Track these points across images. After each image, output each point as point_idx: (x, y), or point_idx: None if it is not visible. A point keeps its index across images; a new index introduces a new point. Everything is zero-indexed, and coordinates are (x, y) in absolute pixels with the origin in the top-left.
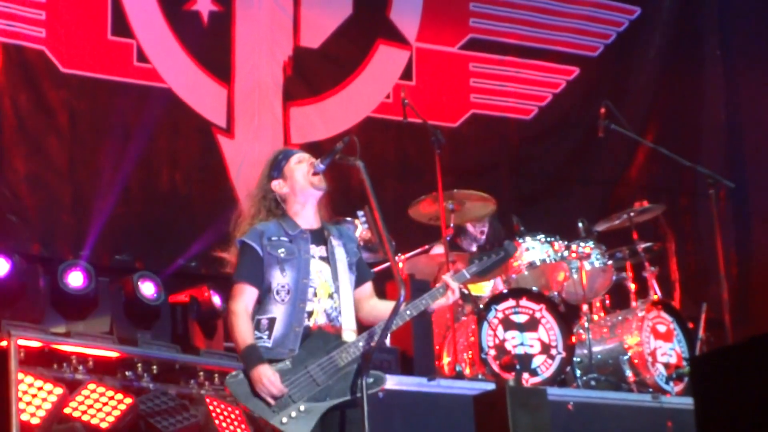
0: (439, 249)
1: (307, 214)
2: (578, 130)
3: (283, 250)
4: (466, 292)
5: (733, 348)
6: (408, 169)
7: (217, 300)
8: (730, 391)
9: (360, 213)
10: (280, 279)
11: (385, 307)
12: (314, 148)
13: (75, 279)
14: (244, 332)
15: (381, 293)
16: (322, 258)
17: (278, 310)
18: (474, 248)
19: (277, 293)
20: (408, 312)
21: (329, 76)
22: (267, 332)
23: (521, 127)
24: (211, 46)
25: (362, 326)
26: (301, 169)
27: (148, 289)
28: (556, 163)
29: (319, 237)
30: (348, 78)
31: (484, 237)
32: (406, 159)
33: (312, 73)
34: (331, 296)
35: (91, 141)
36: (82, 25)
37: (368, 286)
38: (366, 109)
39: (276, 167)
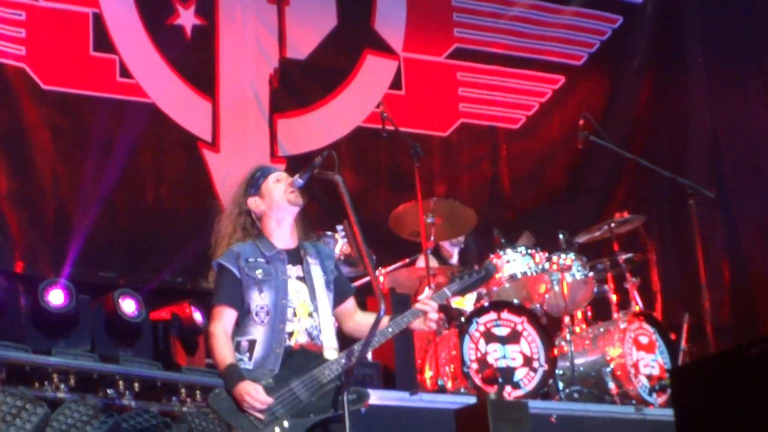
0: (421, 262)
1: (283, 233)
2: (566, 139)
3: (260, 271)
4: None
5: (713, 359)
6: (400, 179)
7: (198, 316)
8: (711, 402)
9: (339, 227)
10: (258, 300)
11: (370, 320)
12: (303, 160)
13: (55, 297)
14: (224, 353)
15: (362, 307)
16: (299, 278)
17: (258, 332)
18: (455, 259)
19: (257, 314)
20: (390, 330)
21: (317, 87)
22: (248, 354)
23: (510, 135)
24: (195, 60)
25: (347, 341)
26: (279, 188)
27: (128, 306)
28: (545, 172)
29: (295, 257)
30: (337, 88)
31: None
32: (398, 168)
33: (299, 85)
34: (310, 315)
35: (74, 157)
36: (64, 42)
37: (351, 302)
38: (356, 119)
39: (253, 184)
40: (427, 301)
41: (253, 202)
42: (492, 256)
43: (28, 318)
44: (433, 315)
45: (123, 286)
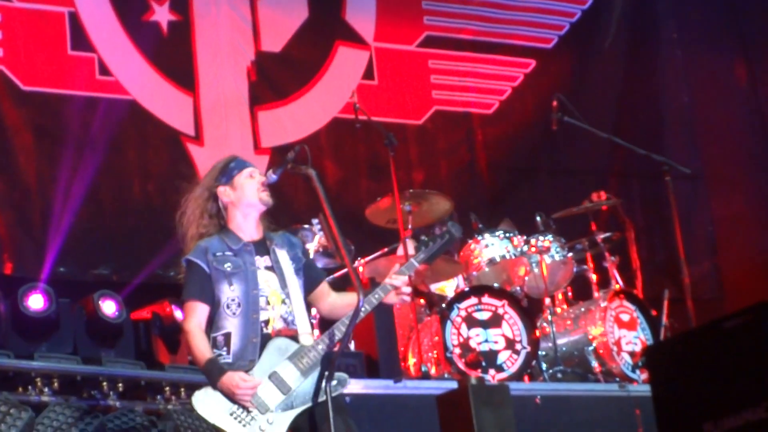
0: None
1: (248, 227)
2: (541, 122)
3: (229, 264)
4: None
5: (688, 334)
6: (379, 168)
7: (179, 314)
8: (687, 377)
9: (315, 220)
10: (229, 293)
11: (345, 301)
12: (286, 151)
13: (35, 302)
14: (202, 348)
15: None
16: (267, 268)
17: (231, 324)
18: None
19: (227, 307)
20: (363, 308)
21: (293, 79)
22: (225, 348)
23: (484, 121)
24: (173, 55)
25: (325, 323)
26: (252, 185)
27: (109, 307)
28: (521, 155)
29: (262, 247)
30: (311, 80)
31: None
32: (376, 158)
33: (276, 77)
34: (283, 302)
35: (57, 156)
36: (41, 42)
37: (323, 285)
38: (332, 110)
39: (227, 174)
40: (396, 276)
41: (223, 191)
42: (470, 241)
43: (8, 323)
44: (405, 288)
45: (114, 282)
